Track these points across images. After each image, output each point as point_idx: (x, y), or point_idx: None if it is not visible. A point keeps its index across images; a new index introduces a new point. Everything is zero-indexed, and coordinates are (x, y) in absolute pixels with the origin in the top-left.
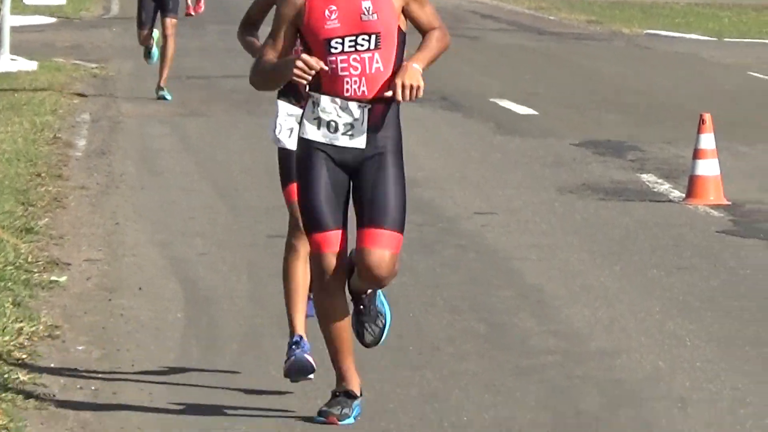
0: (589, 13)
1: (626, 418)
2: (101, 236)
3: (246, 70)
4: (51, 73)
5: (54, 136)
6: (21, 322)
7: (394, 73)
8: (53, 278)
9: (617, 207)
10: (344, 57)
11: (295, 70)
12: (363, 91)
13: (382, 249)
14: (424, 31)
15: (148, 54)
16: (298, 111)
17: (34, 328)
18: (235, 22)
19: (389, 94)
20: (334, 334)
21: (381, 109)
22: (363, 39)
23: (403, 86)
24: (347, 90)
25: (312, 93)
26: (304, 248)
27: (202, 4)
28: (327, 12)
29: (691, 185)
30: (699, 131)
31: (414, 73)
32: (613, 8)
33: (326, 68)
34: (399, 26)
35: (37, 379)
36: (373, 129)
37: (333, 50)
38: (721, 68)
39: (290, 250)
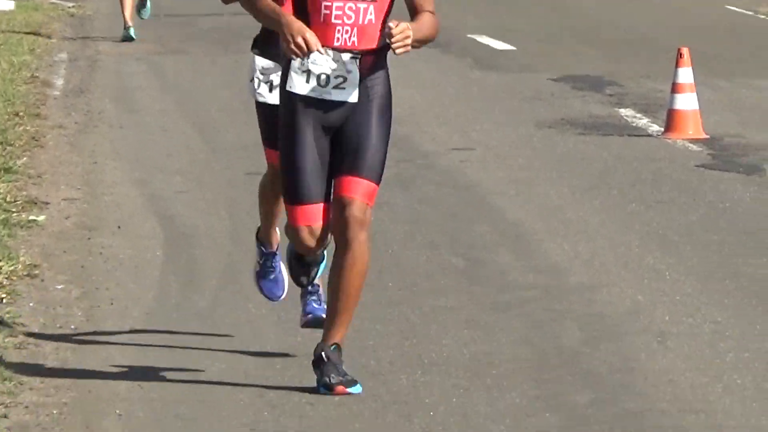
0: None
1: (606, 352)
2: (80, 175)
3: (222, 7)
4: (28, 12)
5: (32, 76)
6: (0, 261)
7: (383, 29)
8: (32, 217)
9: (596, 141)
10: (340, 4)
11: (291, 45)
12: (353, 42)
13: (359, 196)
14: (415, 10)
15: (143, 5)
16: (273, 65)
17: (13, 267)
18: None
19: (387, 29)
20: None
21: (370, 60)
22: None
23: (403, 33)
24: (338, 39)
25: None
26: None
27: None
28: None
29: (670, 119)
30: (677, 65)
31: (405, 29)
32: None
33: (323, 52)
34: None
35: (16, 318)
36: (364, 82)
37: (325, 5)
38: (699, 1)
39: (266, 186)
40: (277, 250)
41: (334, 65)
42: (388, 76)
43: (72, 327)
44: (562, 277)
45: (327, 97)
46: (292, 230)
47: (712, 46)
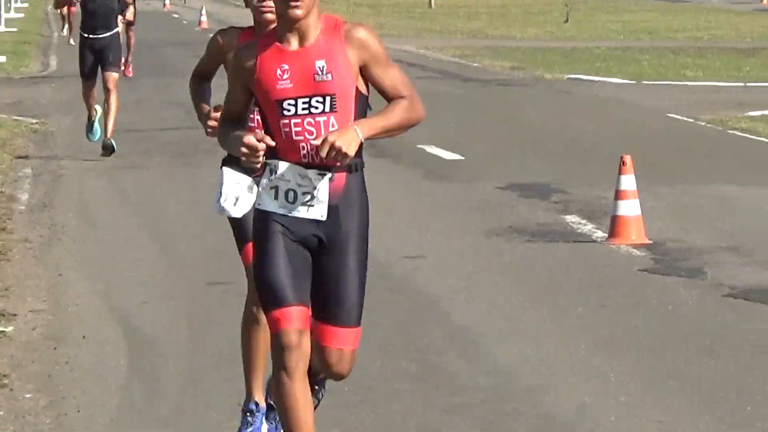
0: (512, 59)
1: None
2: (45, 287)
3: (181, 122)
4: None
5: None
6: None
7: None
8: (0, 329)
9: (543, 248)
10: (298, 120)
11: (242, 157)
12: (321, 158)
13: (342, 346)
14: (388, 98)
15: (89, 128)
16: (246, 179)
17: None
18: (169, 75)
19: (315, 143)
20: (293, 418)
21: (343, 177)
22: (317, 101)
23: (331, 144)
24: (304, 156)
25: (268, 160)
26: (262, 314)
27: (131, 69)
28: (279, 71)
29: (613, 225)
30: (620, 173)
31: (350, 137)
32: (535, 54)
33: (273, 144)
34: (357, 87)
35: None
36: (334, 200)
37: (286, 112)
38: (641, 110)
39: (249, 316)
40: (256, 404)
41: (301, 181)
42: (365, 194)
43: None
44: (512, 379)
45: (295, 213)
46: (276, 337)
47: (654, 154)
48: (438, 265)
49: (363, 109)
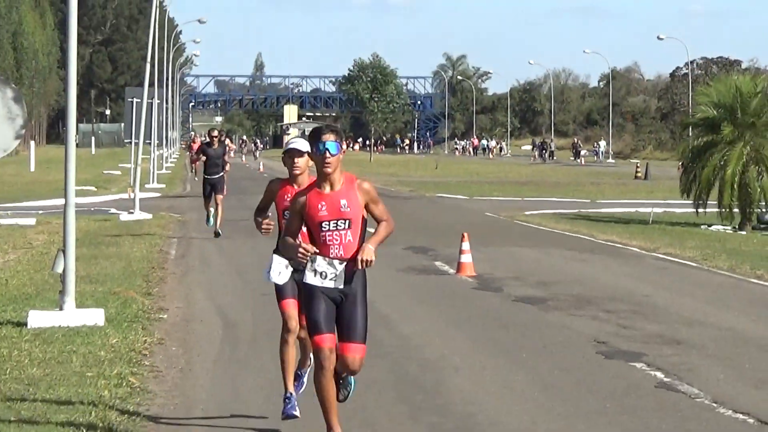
0: (410, 186)
1: None
2: (183, 296)
3: (249, 217)
4: (158, 220)
5: (160, 249)
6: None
7: (360, 243)
8: (160, 316)
9: (424, 278)
10: (330, 233)
11: (299, 255)
12: (341, 254)
13: (355, 354)
14: (377, 221)
15: (207, 220)
16: (286, 262)
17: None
18: (244, 193)
19: (354, 264)
20: (326, 396)
21: (352, 264)
22: (341, 222)
23: (363, 261)
24: (332, 252)
25: (310, 255)
26: (291, 338)
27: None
28: (319, 206)
29: (459, 266)
30: (462, 240)
31: (369, 251)
32: (421, 184)
33: (317, 251)
34: (363, 215)
35: None
36: (348, 276)
37: (323, 228)
38: (472, 211)
39: (283, 341)
40: (291, 393)
41: (330, 267)
42: (364, 271)
43: None
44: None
45: (325, 284)
46: (317, 352)
47: (478, 232)
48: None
49: (365, 225)
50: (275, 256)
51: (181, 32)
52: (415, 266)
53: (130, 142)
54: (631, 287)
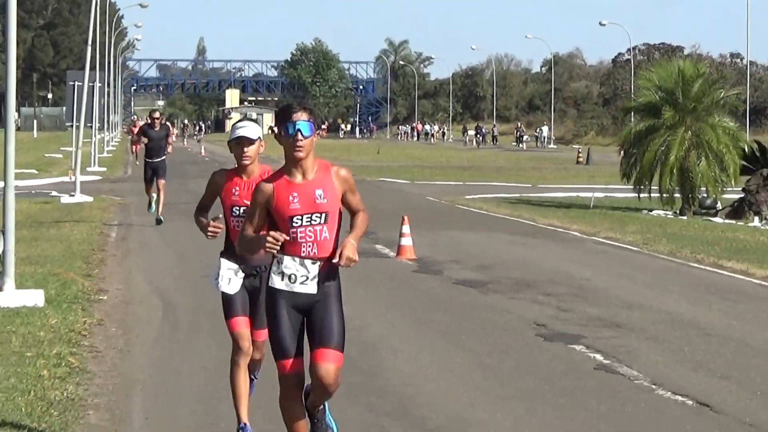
0: (352, 171)
1: None
2: (122, 278)
3: (190, 201)
4: (99, 203)
5: (100, 232)
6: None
7: (336, 239)
8: (101, 297)
9: (363, 260)
10: (302, 228)
11: (267, 244)
12: (314, 252)
13: (329, 363)
14: (352, 212)
15: (149, 206)
16: (234, 266)
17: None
18: (186, 177)
19: (335, 260)
20: (295, 427)
21: (327, 264)
22: (316, 216)
23: (348, 258)
24: (303, 251)
25: (276, 254)
26: (243, 361)
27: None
28: (290, 197)
29: (399, 249)
30: (402, 223)
31: (351, 247)
32: (363, 168)
33: (288, 239)
34: (339, 207)
35: None
36: (322, 279)
37: (294, 224)
38: (413, 195)
39: (234, 364)
40: (244, 425)
41: (300, 268)
42: (338, 273)
43: None
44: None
45: (294, 289)
46: (283, 378)
47: (419, 215)
48: None
49: (341, 219)
50: (223, 261)
51: (123, 16)
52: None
53: (72, 126)
54: (571, 271)
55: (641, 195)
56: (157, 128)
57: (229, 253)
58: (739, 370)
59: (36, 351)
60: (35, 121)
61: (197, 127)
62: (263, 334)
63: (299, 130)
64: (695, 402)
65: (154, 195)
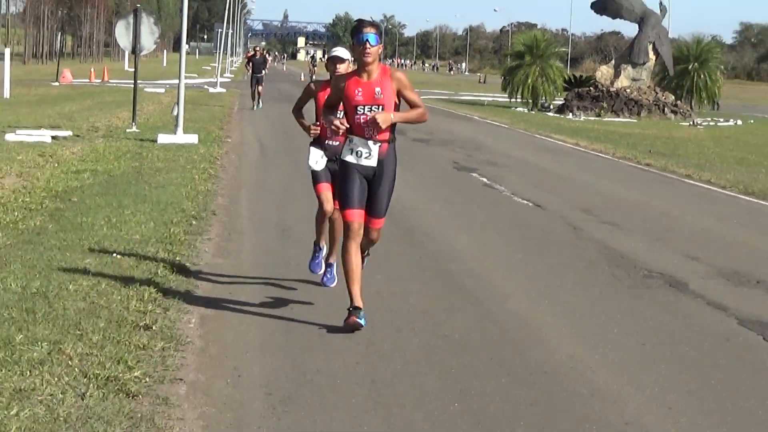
0: None
1: None
2: (240, 130)
3: (286, 114)
4: (229, 93)
5: (229, 108)
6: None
7: (392, 127)
8: (226, 139)
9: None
10: (365, 116)
11: (333, 126)
12: (374, 135)
13: (375, 228)
14: (410, 106)
15: (252, 107)
16: (321, 152)
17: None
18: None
19: (369, 114)
20: (352, 267)
21: (385, 145)
22: (375, 107)
23: (375, 120)
24: (366, 133)
25: (348, 135)
26: (325, 218)
27: (267, 69)
28: (356, 91)
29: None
30: None
31: (386, 117)
32: None
33: (348, 126)
34: (395, 101)
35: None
36: (381, 156)
37: (358, 112)
38: None
39: (319, 213)
40: (321, 246)
41: (364, 146)
42: (396, 154)
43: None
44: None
45: (360, 162)
46: (347, 225)
47: None
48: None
49: (398, 111)
50: (312, 148)
51: None
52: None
53: (217, 53)
54: (472, 136)
55: (511, 100)
56: (258, 56)
57: (316, 142)
58: (559, 190)
59: (192, 166)
60: (197, 50)
61: (283, 56)
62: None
63: (367, 40)
64: (534, 204)
65: (254, 103)
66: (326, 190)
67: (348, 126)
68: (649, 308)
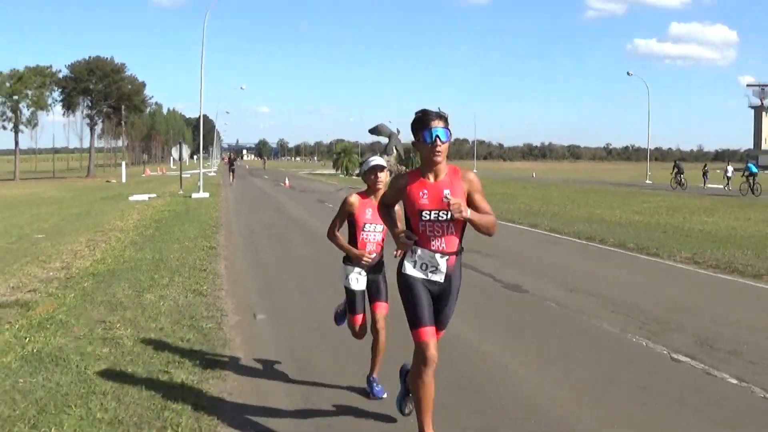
0: None
1: None
2: (225, 194)
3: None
4: (212, 187)
5: (217, 187)
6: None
7: (461, 238)
8: (220, 198)
9: None
10: (431, 223)
11: (401, 242)
12: (442, 247)
13: (437, 339)
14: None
15: (229, 184)
16: (359, 268)
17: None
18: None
19: (450, 198)
20: (425, 394)
21: (453, 258)
22: (443, 212)
23: (459, 205)
24: (433, 245)
25: (413, 246)
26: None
27: (237, 164)
28: (420, 193)
29: None
30: None
31: (465, 207)
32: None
33: (416, 239)
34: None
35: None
36: (449, 269)
37: (423, 217)
38: None
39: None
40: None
41: (431, 260)
42: (461, 265)
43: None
44: None
45: (425, 277)
46: (419, 345)
47: None
48: None
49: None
50: (348, 266)
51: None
52: None
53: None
54: None
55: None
56: (232, 157)
57: (351, 261)
58: None
59: (208, 205)
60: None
61: (239, 157)
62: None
63: (437, 136)
64: None
65: (231, 180)
66: (362, 321)
67: (416, 239)
68: None
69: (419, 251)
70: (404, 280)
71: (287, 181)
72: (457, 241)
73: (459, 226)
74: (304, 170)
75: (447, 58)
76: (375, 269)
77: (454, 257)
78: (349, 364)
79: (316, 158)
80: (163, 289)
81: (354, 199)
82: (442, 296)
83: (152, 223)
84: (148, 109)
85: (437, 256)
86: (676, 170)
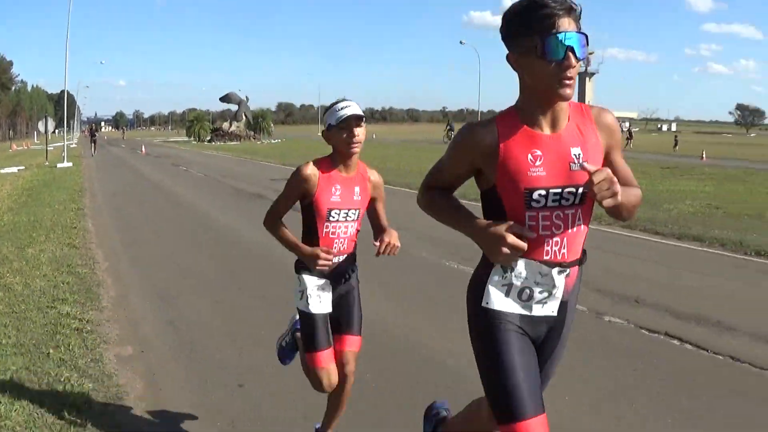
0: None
1: None
2: (87, 162)
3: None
4: (74, 159)
5: (79, 158)
6: None
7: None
8: (84, 162)
9: None
10: (547, 213)
11: (504, 249)
12: (564, 254)
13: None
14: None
15: (91, 155)
16: (322, 281)
17: None
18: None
19: (588, 166)
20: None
21: (575, 271)
22: (569, 192)
23: (610, 180)
24: (547, 252)
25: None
26: (323, 391)
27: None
28: (530, 156)
29: None
30: None
31: (619, 191)
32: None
33: (534, 235)
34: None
35: None
36: (565, 296)
37: (534, 204)
38: None
39: (314, 382)
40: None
41: (540, 279)
42: (580, 284)
43: None
44: None
45: (528, 312)
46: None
47: None
48: None
49: (593, 204)
50: (304, 277)
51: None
52: None
53: (71, 131)
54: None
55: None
56: (93, 129)
57: (307, 266)
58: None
59: (70, 176)
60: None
61: (98, 129)
62: (351, 342)
63: (571, 48)
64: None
65: (92, 151)
66: (329, 362)
67: (532, 236)
68: None
69: (519, 265)
70: (487, 322)
71: (144, 149)
72: (583, 239)
73: (588, 211)
74: (159, 138)
75: (290, 27)
76: (342, 279)
77: (576, 270)
78: (204, 298)
79: (170, 127)
80: (42, 245)
81: (311, 170)
82: (548, 341)
83: (24, 192)
84: (13, 87)
85: (554, 271)
86: (448, 128)
